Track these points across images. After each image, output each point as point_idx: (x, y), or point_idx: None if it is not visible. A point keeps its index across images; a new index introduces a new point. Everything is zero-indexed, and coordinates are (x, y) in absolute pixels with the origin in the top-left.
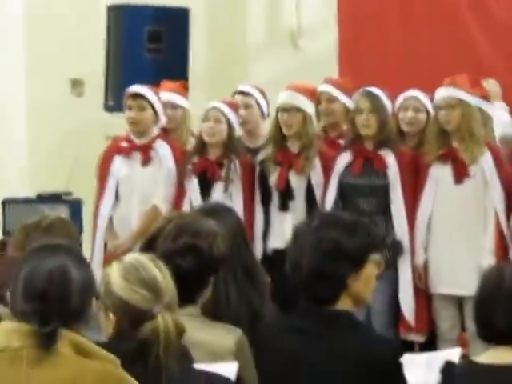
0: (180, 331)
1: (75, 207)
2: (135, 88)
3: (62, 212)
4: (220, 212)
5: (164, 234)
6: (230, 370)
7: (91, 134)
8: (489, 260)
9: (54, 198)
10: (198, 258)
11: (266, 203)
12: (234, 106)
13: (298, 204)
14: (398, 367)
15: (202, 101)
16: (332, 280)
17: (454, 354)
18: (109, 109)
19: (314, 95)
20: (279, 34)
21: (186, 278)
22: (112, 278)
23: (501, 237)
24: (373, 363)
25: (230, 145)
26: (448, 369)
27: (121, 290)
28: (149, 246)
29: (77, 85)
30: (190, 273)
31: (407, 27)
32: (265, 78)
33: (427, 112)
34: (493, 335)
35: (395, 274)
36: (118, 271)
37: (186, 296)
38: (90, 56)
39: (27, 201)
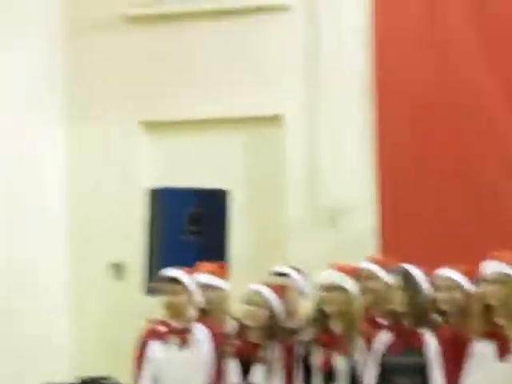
0: None
1: None
2: (169, 272)
3: None
4: None
5: None
6: None
7: (132, 317)
8: None
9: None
10: None
11: None
12: (278, 289)
13: None
14: None
15: (243, 282)
16: None
17: None
18: (150, 292)
19: (355, 274)
20: (318, 213)
21: None
22: None
23: None
24: None
25: (271, 328)
26: None
27: None
28: None
29: (117, 268)
30: None
31: (445, 202)
32: (304, 257)
33: (464, 289)
34: None
35: None
36: None
37: None
38: (131, 239)
39: None
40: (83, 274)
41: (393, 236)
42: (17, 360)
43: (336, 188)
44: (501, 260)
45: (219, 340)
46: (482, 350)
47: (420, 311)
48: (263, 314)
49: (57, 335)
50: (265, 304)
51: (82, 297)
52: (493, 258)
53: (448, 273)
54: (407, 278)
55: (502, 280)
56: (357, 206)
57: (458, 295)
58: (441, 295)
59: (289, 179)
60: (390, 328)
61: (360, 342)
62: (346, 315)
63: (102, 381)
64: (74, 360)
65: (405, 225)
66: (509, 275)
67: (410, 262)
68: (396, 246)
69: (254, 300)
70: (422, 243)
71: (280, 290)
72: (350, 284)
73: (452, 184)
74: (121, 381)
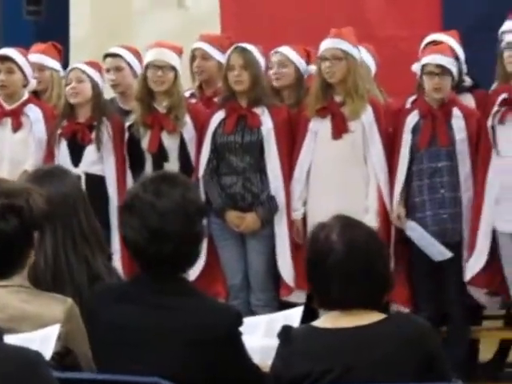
0: None
1: None
2: (2, 51)
3: None
4: (55, 175)
5: None
6: (50, 333)
7: None
8: (372, 219)
9: None
10: (19, 218)
11: (138, 168)
12: (96, 66)
13: (172, 166)
14: (236, 336)
15: None
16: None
17: (294, 315)
18: None
19: (181, 53)
20: None
21: (11, 241)
22: None
23: (381, 196)
24: (209, 333)
25: (98, 105)
26: (285, 333)
27: None
28: None
29: None
30: (16, 234)
31: None
32: (151, 38)
33: (296, 66)
34: (329, 302)
35: (272, 232)
36: None
37: (14, 262)
38: None
39: None
40: None
41: (234, 16)
42: None
43: None
44: (339, 36)
45: (52, 121)
46: (318, 128)
47: (257, 89)
48: (85, 88)
49: None
50: (86, 79)
51: None
52: (332, 34)
53: (281, 49)
54: (246, 55)
55: (338, 56)
56: None
57: (287, 71)
58: (272, 71)
59: None
60: (223, 107)
61: (187, 119)
62: (173, 94)
63: None
64: None
65: (248, 5)
66: (345, 51)
67: (251, 42)
68: (238, 26)
69: (75, 76)
70: (265, 25)
71: (101, 68)
72: (178, 62)
73: None
74: None
